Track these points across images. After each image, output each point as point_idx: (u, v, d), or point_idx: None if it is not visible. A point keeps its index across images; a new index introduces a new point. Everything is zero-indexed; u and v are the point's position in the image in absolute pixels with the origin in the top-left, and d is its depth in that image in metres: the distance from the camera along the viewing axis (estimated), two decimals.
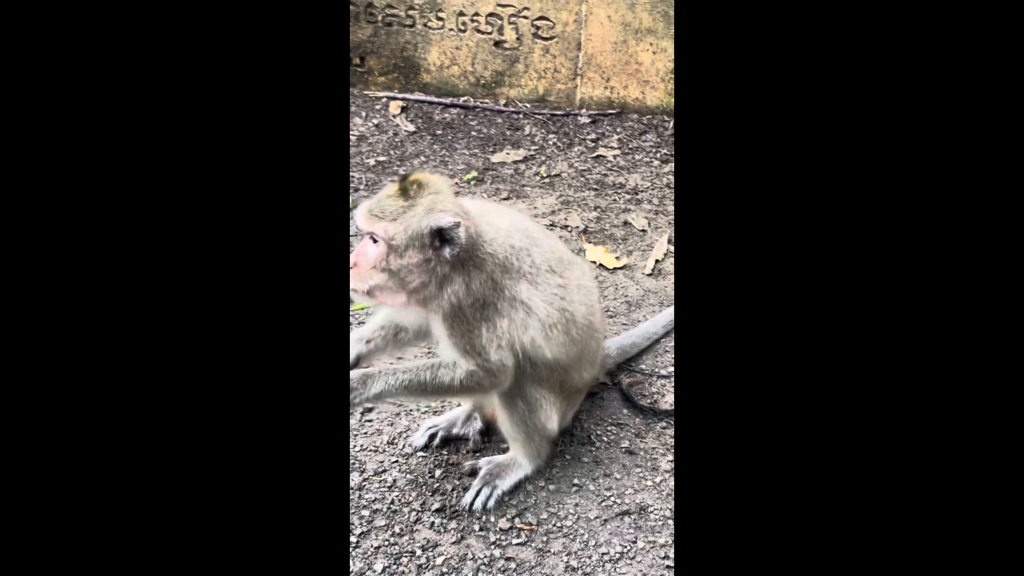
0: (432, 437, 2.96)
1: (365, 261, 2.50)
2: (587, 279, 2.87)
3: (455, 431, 2.99)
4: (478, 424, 3.00)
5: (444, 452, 2.93)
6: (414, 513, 2.69)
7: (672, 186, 4.51)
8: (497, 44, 5.02)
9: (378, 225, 2.48)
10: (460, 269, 2.52)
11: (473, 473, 2.82)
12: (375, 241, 2.49)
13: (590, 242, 4.03)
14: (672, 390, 3.19)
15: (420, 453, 2.91)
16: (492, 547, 2.59)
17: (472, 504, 2.71)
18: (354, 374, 2.56)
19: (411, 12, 4.98)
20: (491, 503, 2.72)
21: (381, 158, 4.66)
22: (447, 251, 2.48)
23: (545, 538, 2.63)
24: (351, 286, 2.52)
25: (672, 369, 3.29)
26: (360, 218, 2.51)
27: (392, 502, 2.72)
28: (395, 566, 2.52)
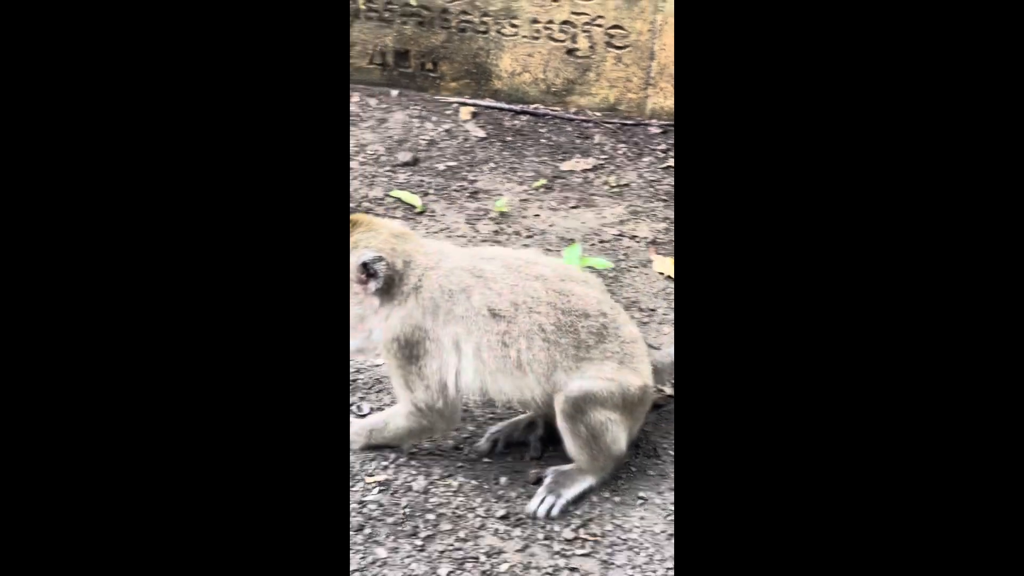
0: (495, 443, 2.96)
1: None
2: (551, 323, 2.69)
3: (516, 437, 2.99)
4: (539, 431, 2.99)
5: (509, 459, 2.93)
6: (479, 519, 2.69)
7: None
8: (570, 52, 5.02)
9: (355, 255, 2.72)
10: (388, 305, 2.71)
11: (538, 481, 2.81)
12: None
13: (659, 253, 4.00)
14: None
15: (485, 459, 2.91)
16: (556, 556, 2.59)
17: (536, 512, 2.71)
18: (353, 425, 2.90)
19: (485, 19, 5.01)
20: (555, 512, 2.71)
21: (451, 163, 4.68)
22: (371, 284, 2.69)
23: (610, 550, 2.62)
24: None
25: None
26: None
27: (457, 507, 2.72)
28: (459, 571, 2.53)
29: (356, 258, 2.70)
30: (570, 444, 2.75)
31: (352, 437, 2.88)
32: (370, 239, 2.74)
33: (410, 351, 2.70)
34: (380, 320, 2.74)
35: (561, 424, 2.72)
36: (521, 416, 3.01)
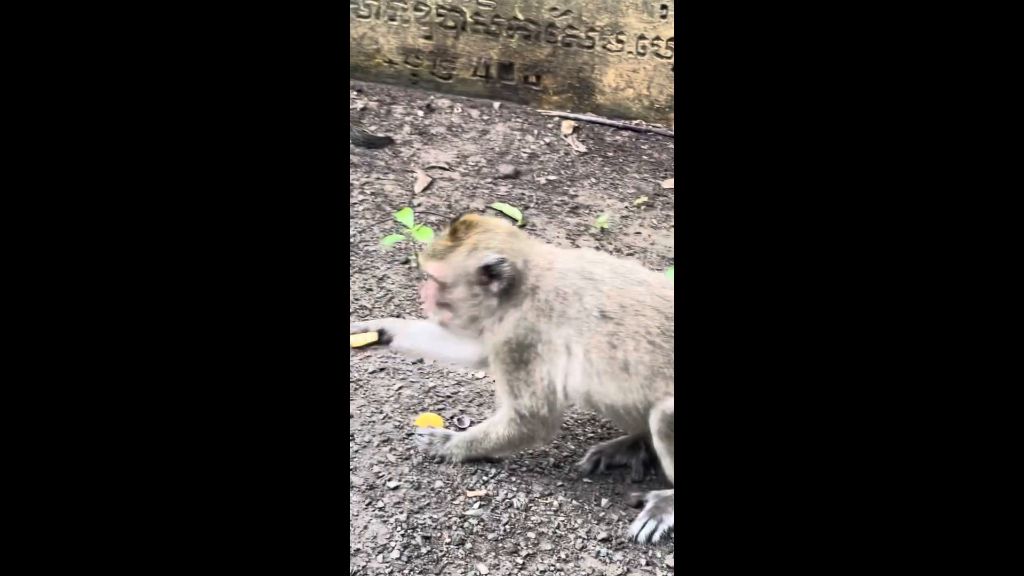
0: (597, 463, 2.94)
1: (426, 298, 2.84)
2: (656, 325, 2.67)
3: (618, 458, 2.96)
4: (642, 453, 2.95)
5: (611, 480, 2.90)
6: (580, 540, 2.67)
7: None
8: (675, 69, 4.99)
9: (430, 265, 2.77)
10: (504, 307, 2.70)
11: (639, 505, 2.78)
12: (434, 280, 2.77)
13: None
14: None
15: (587, 479, 2.89)
16: None
17: (637, 536, 2.68)
18: (437, 430, 2.94)
19: (591, 34, 5.00)
20: (656, 536, 2.68)
21: (552, 177, 4.68)
22: (494, 285, 2.68)
23: None
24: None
25: None
26: (422, 258, 2.83)
27: (558, 527, 2.71)
28: None
29: (477, 260, 2.68)
30: (667, 465, 2.71)
31: (453, 450, 2.88)
32: (489, 240, 2.72)
33: (520, 354, 2.69)
34: (493, 322, 2.72)
35: (657, 444, 2.69)
36: (624, 437, 2.98)
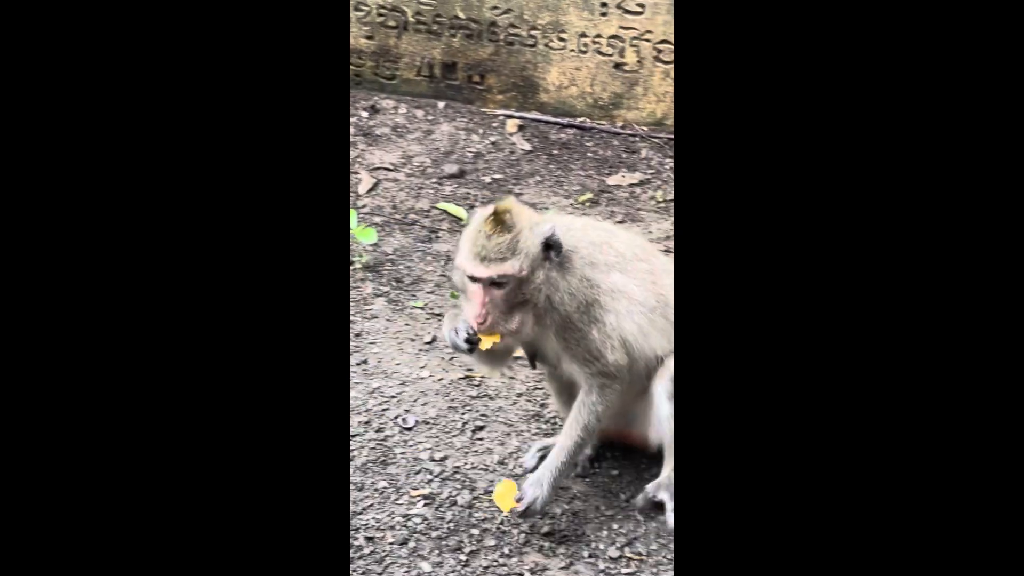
0: (543, 459, 2.94)
1: (495, 308, 2.53)
2: (670, 266, 2.76)
3: None
4: (588, 450, 2.96)
5: None
6: (523, 535, 2.68)
7: None
8: (617, 66, 5.02)
9: (503, 267, 2.51)
10: (558, 276, 2.58)
11: (655, 507, 2.78)
12: (499, 285, 2.52)
13: None
14: None
15: (530, 475, 2.90)
16: (600, 575, 2.57)
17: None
18: (525, 483, 2.67)
19: (533, 32, 5.01)
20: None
21: (497, 176, 4.69)
22: (553, 256, 2.57)
23: (655, 569, 2.59)
24: (481, 341, 2.57)
25: None
26: (474, 268, 2.52)
27: (502, 523, 2.72)
28: None
29: (538, 237, 2.56)
30: (668, 429, 2.72)
31: (551, 477, 2.69)
32: (529, 215, 2.63)
33: (589, 314, 2.61)
34: (561, 296, 2.59)
35: (663, 407, 2.70)
36: None
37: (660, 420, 2.73)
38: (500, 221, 2.54)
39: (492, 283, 2.52)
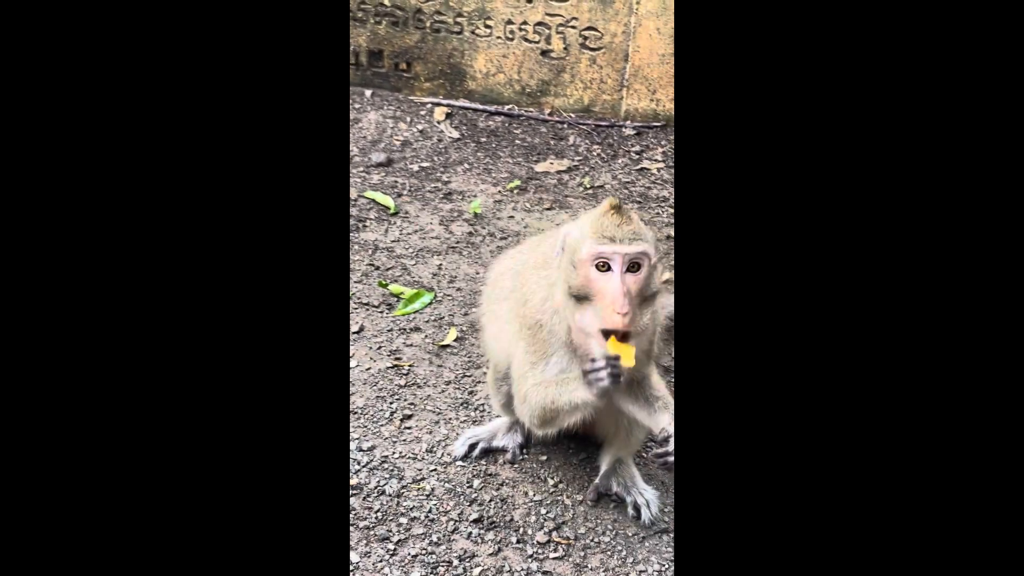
0: (472, 447, 2.95)
1: (633, 295, 2.33)
2: None
3: (496, 443, 2.97)
4: (519, 438, 2.97)
5: (483, 462, 2.92)
6: (452, 523, 2.68)
7: None
8: (544, 53, 5.02)
9: (642, 245, 2.34)
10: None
11: (600, 498, 2.80)
12: (636, 269, 2.34)
13: None
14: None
15: (459, 463, 2.90)
16: (529, 560, 2.58)
17: (648, 519, 2.73)
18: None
19: (459, 19, 4.99)
20: (654, 509, 2.74)
21: (424, 164, 4.67)
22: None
23: (583, 553, 2.62)
24: (622, 357, 2.33)
25: None
26: (613, 248, 2.31)
27: (430, 511, 2.71)
28: (432, 575, 2.52)
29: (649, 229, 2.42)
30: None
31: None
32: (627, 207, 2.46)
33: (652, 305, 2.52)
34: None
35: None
36: (500, 421, 3.00)
37: (613, 411, 2.74)
38: (618, 207, 2.37)
39: (628, 268, 2.34)
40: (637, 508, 2.74)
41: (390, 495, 2.75)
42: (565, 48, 5.00)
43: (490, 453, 2.95)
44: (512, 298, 2.71)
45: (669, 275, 3.91)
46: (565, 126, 5.07)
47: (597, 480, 2.84)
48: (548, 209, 4.35)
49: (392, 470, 2.84)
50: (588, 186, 4.56)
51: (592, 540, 2.66)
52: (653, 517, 2.73)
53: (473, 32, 5.02)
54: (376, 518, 2.67)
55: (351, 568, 2.51)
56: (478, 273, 3.79)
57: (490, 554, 2.59)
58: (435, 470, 2.86)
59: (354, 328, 3.42)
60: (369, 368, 3.24)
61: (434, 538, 2.62)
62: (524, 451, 2.98)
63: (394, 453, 2.91)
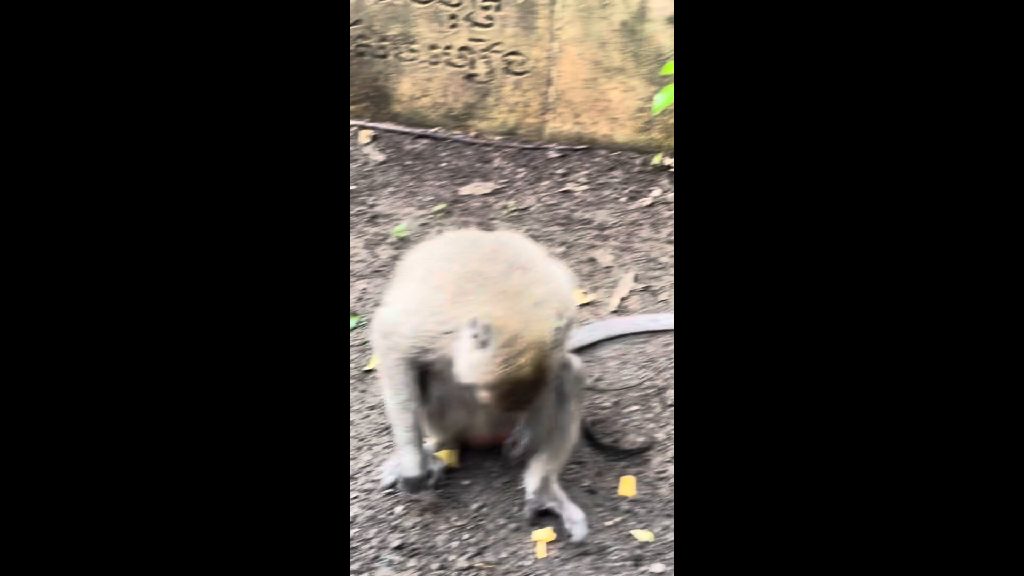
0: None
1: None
2: None
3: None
4: (441, 463, 2.98)
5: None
6: (372, 550, 2.68)
7: (639, 223, 4.56)
8: (468, 77, 5.07)
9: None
10: None
11: (537, 517, 2.84)
12: None
13: None
14: (633, 430, 3.22)
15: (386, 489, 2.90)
16: None
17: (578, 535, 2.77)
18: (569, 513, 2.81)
19: (383, 43, 5.01)
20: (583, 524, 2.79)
21: (350, 187, 4.66)
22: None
23: None
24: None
25: (634, 408, 3.32)
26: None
27: (352, 538, 2.71)
28: None
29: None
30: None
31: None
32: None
33: None
34: None
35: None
36: (429, 445, 3.00)
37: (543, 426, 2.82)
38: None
39: None
40: (571, 524, 2.77)
41: None
42: (489, 72, 5.05)
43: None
44: (422, 287, 2.74)
45: (592, 296, 3.97)
46: (490, 149, 5.11)
47: (531, 495, 2.85)
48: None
49: None
50: (512, 209, 4.61)
51: (514, 564, 2.68)
52: (583, 535, 2.75)
53: (398, 56, 5.05)
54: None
55: None
56: None
57: None
58: (357, 497, 2.86)
59: None
60: None
61: (355, 566, 2.62)
62: (447, 476, 2.99)
63: None
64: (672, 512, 2.87)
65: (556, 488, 2.86)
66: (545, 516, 2.83)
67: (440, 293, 2.64)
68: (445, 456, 2.93)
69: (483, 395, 2.51)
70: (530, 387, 2.49)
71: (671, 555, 2.72)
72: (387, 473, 2.93)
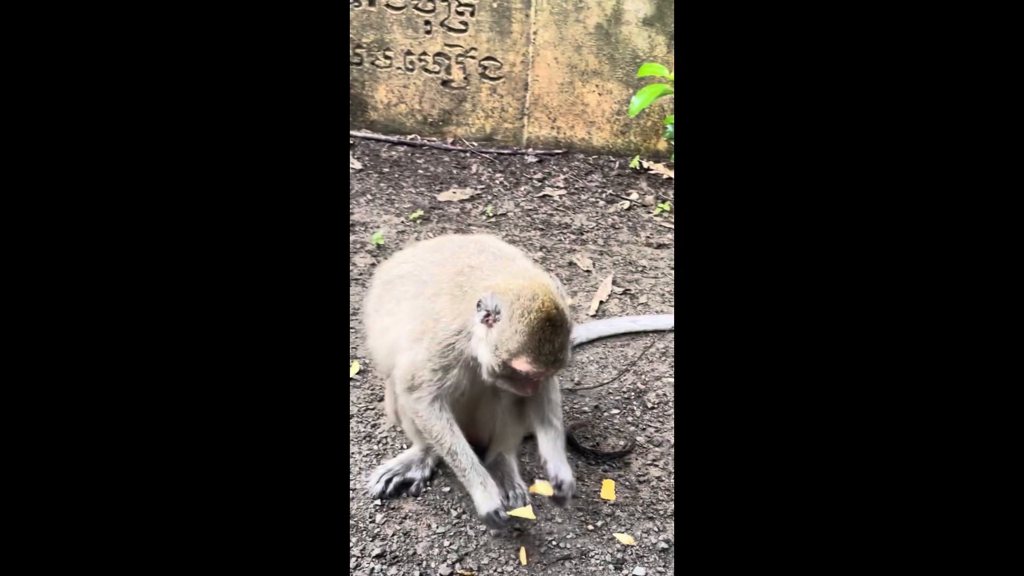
0: (388, 483, 2.92)
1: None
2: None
3: (410, 475, 2.95)
4: (427, 471, 2.96)
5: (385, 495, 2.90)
6: (353, 559, 2.66)
7: (616, 227, 4.55)
8: (445, 83, 5.06)
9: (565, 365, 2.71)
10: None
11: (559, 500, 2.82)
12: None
13: None
14: (614, 433, 3.21)
15: (370, 498, 2.88)
16: None
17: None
18: (557, 473, 2.75)
19: (359, 50, 5.00)
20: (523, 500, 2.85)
21: None
22: None
23: None
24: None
25: (615, 411, 3.31)
26: (545, 372, 2.59)
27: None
28: None
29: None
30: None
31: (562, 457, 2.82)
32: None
33: None
34: None
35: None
36: (413, 452, 2.98)
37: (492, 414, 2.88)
38: (557, 328, 2.53)
39: None
40: (515, 498, 2.84)
41: None
42: (465, 78, 5.05)
43: (406, 486, 2.92)
44: (419, 305, 2.74)
45: (571, 300, 3.96)
46: (467, 155, 5.10)
47: None
48: None
49: None
50: (491, 214, 4.60)
51: (495, 570, 2.66)
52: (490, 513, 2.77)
53: (373, 63, 5.03)
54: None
55: None
56: None
57: None
58: None
59: None
60: None
61: None
62: (428, 484, 2.97)
63: None
64: (653, 515, 2.86)
65: (507, 464, 2.93)
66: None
67: (438, 299, 2.67)
68: (541, 488, 2.83)
69: (523, 365, 2.50)
70: (557, 330, 2.49)
71: (653, 558, 2.71)
72: (375, 482, 2.90)
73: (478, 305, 2.52)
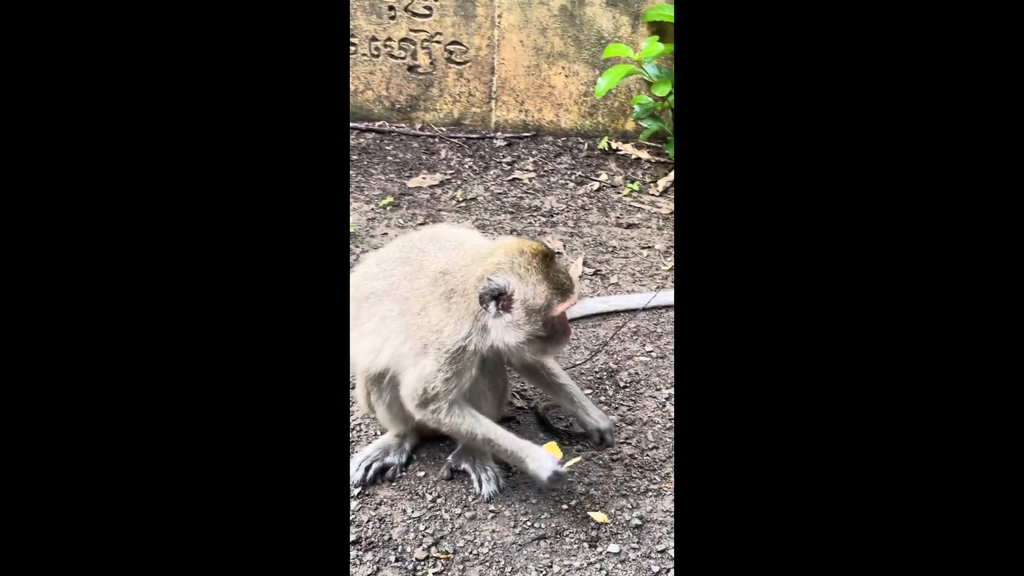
0: (368, 469, 2.93)
1: None
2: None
3: (388, 460, 2.97)
4: (403, 456, 2.98)
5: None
6: None
7: (586, 208, 4.57)
8: (411, 69, 5.04)
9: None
10: None
11: (452, 475, 2.93)
12: None
13: None
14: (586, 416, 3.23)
15: (356, 489, 2.89)
16: None
17: (485, 492, 2.87)
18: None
19: None
20: (495, 482, 2.89)
21: None
22: None
23: (462, 566, 2.64)
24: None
25: (588, 391, 3.34)
26: (572, 301, 2.68)
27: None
28: None
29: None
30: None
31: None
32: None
33: None
34: None
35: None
36: (390, 437, 2.99)
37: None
38: (553, 256, 2.67)
39: None
40: (480, 483, 2.88)
41: None
42: (431, 63, 5.03)
43: (383, 472, 2.93)
44: (409, 322, 2.70)
45: None
46: (436, 140, 5.10)
47: (450, 457, 2.94)
48: (421, 224, 4.37)
49: None
50: (461, 199, 4.60)
51: (471, 552, 2.68)
52: (491, 492, 2.86)
53: None
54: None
55: None
56: None
57: (369, 574, 2.59)
58: None
59: None
60: None
61: None
62: (403, 469, 2.98)
63: None
64: (627, 493, 2.89)
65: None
66: (460, 474, 2.95)
67: (427, 312, 2.66)
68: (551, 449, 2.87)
69: (559, 307, 2.59)
70: (555, 258, 2.64)
71: (627, 535, 2.73)
72: (355, 470, 2.91)
73: (481, 302, 2.53)
